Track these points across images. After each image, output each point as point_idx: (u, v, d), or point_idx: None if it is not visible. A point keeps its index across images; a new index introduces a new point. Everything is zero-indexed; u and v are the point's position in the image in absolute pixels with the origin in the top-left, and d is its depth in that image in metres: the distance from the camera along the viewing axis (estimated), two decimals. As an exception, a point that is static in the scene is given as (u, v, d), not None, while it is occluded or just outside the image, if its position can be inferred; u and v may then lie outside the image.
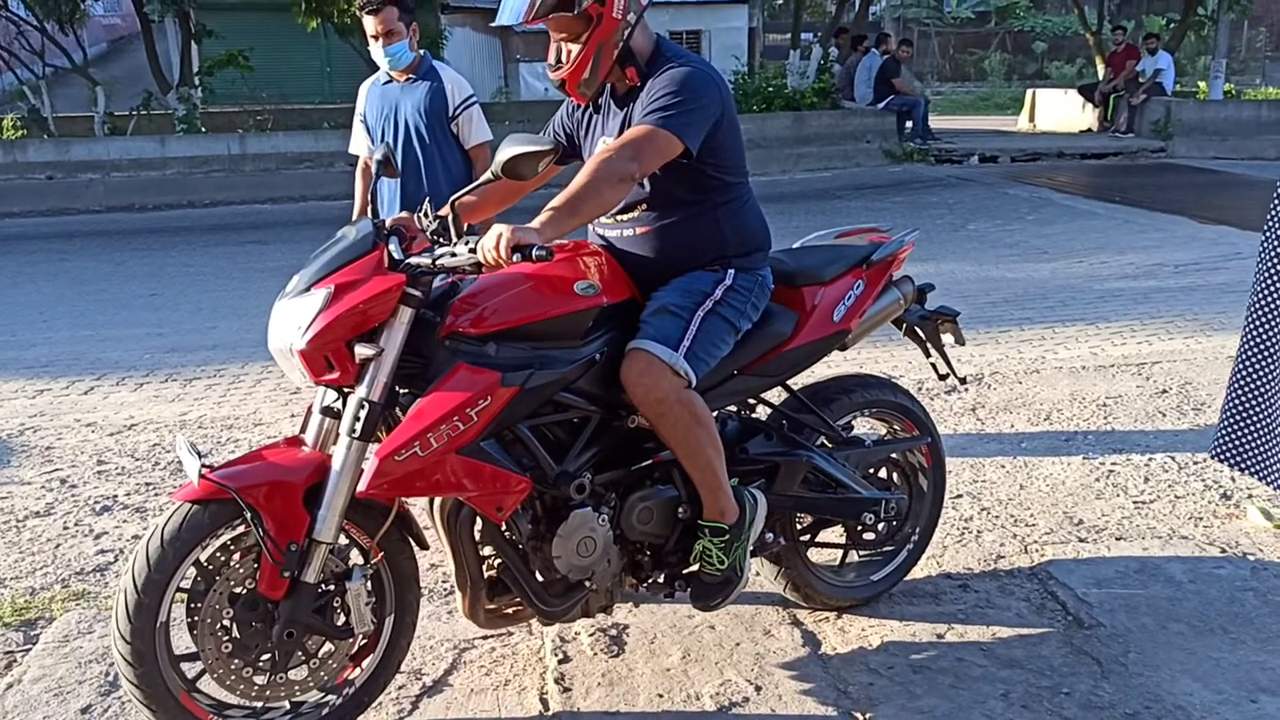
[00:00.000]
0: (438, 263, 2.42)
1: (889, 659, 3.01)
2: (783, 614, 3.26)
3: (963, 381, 3.66)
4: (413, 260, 2.44)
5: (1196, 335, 6.27)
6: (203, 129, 14.62)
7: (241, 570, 2.46)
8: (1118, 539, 3.71)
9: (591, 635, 3.12)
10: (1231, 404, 3.63)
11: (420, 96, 4.36)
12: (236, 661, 2.47)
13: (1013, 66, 34.70)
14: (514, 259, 2.29)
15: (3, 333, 7.01)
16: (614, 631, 3.16)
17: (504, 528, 2.63)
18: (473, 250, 2.36)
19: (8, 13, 15.69)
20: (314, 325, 2.36)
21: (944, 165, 15.27)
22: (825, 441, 3.14)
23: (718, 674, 2.94)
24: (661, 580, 2.91)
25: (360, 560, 2.59)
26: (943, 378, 3.46)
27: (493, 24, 2.83)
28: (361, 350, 2.38)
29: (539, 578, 2.70)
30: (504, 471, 2.51)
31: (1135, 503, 4.02)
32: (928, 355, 3.42)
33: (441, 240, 2.53)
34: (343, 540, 2.54)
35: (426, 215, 2.60)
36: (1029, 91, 21.90)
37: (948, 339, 3.41)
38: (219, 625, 2.45)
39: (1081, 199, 12.04)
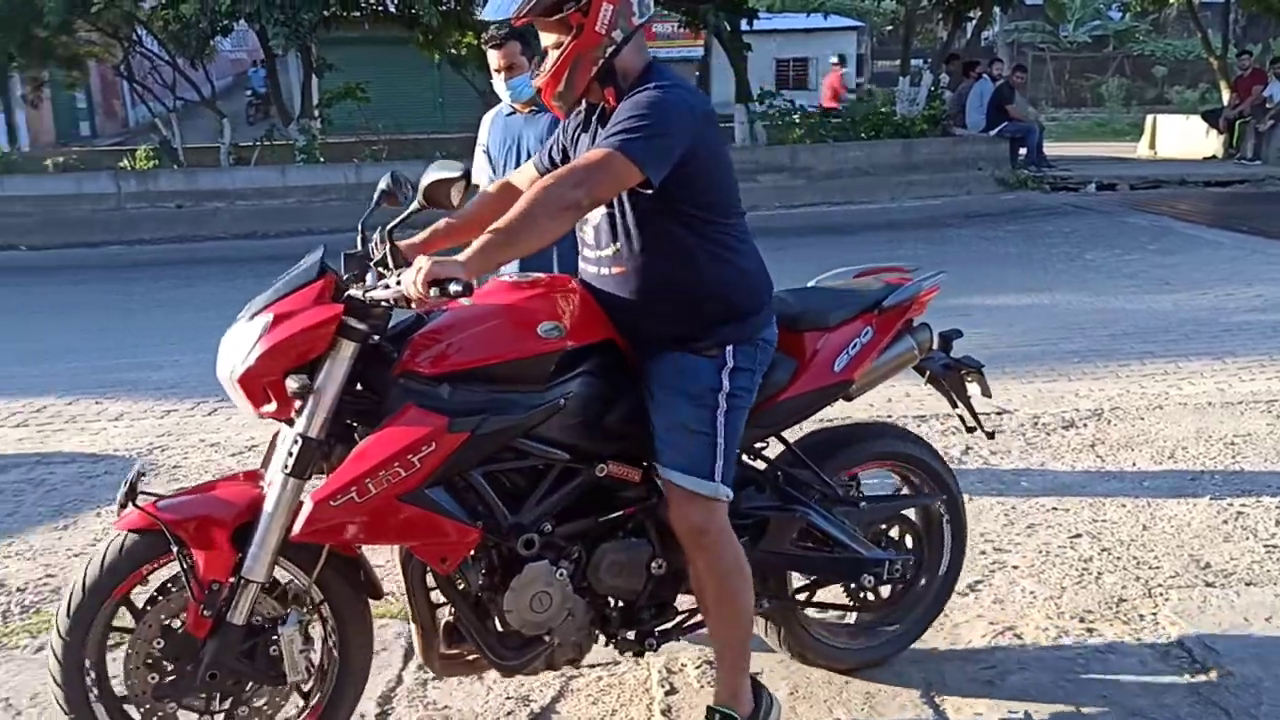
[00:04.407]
0: (368, 295, 2.29)
1: (1006, 703, 2.92)
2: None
3: (990, 436, 3.42)
4: (352, 292, 2.32)
5: (1332, 371, 5.99)
6: (321, 159, 15.10)
7: (174, 605, 2.37)
8: (1247, 584, 3.55)
9: (698, 668, 3.10)
10: None
11: (542, 128, 4.41)
12: (165, 701, 2.38)
13: (1131, 91, 33.77)
14: (431, 294, 2.13)
15: (134, 354, 7.32)
16: (721, 664, 3.12)
17: (455, 577, 2.49)
18: (398, 283, 2.22)
19: (143, 49, 16.47)
20: (250, 354, 2.28)
21: (1059, 193, 14.91)
22: (840, 495, 2.93)
23: (826, 712, 2.89)
24: (631, 637, 2.73)
25: (301, 604, 2.46)
26: (969, 430, 3.23)
27: (479, 18, 2.66)
28: (290, 383, 2.27)
29: (498, 627, 2.55)
30: (450, 521, 2.36)
31: (1266, 546, 3.83)
32: (953, 406, 3.16)
33: (383, 270, 2.39)
34: (298, 582, 2.45)
35: (380, 243, 2.44)
36: (1149, 117, 21.29)
37: (974, 389, 3.15)
38: (147, 660, 2.36)
39: (1205, 228, 11.63)
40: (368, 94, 16.32)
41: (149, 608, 2.38)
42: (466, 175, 2.35)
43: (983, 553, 3.82)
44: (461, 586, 2.50)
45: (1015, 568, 3.71)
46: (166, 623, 2.38)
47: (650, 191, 2.40)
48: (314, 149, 15.18)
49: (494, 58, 4.37)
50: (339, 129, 17.25)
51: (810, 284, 3.06)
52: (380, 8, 16.08)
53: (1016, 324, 7.33)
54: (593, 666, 3.11)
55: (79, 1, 13.93)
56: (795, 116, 16.46)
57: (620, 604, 2.70)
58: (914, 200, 14.27)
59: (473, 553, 2.46)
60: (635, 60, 2.51)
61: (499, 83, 4.41)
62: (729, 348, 2.56)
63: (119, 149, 17.40)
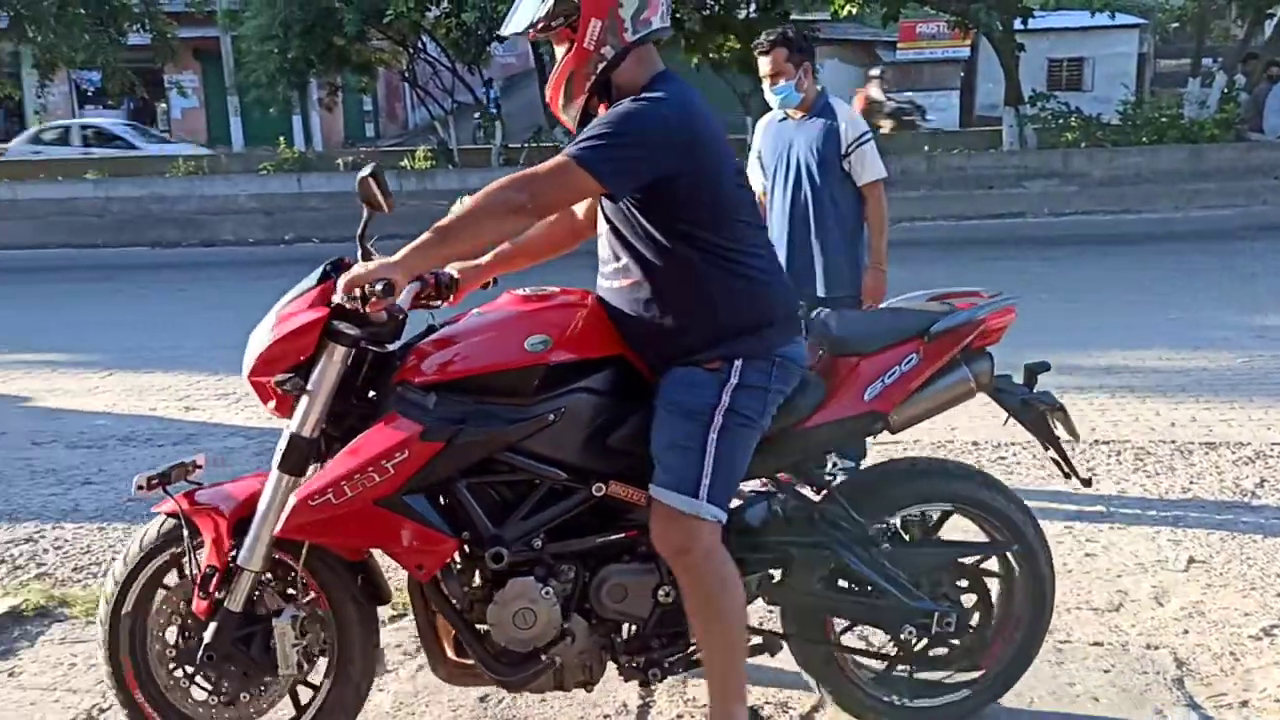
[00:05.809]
0: (333, 300, 2.34)
1: (1309, 762, 2.67)
2: (1177, 693, 2.97)
3: (1086, 484, 2.99)
4: (336, 298, 2.33)
5: None
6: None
7: (188, 588, 2.54)
8: None
9: (962, 690, 2.98)
10: None
11: (814, 134, 4.37)
12: (174, 665, 2.58)
13: None
14: (349, 299, 2.21)
15: (410, 343, 7.76)
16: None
17: (440, 586, 2.49)
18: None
19: (426, 55, 17.54)
20: (257, 355, 2.39)
21: (1372, 205, 13.49)
22: (875, 536, 2.68)
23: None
24: (637, 665, 2.60)
25: (302, 599, 2.54)
26: (1066, 477, 2.84)
27: (502, 34, 2.60)
28: (276, 380, 2.37)
29: (497, 642, 2.50)
30: (426, 529, 2.37)
31: None
32: (1045, 449, 2.80)
33: None
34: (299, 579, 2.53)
35: (358, 247, 2.47)
36: None
37: (1060, 431, 2.75)
38: (163, 632, 2.57)
39: None
40: (630, 97, 16.72)
41: (174, 585, 2.58)
42: (373, 172, 2.34)
43: (1282, 595, 3.51)
44: (445, 595, 2.51)
45: (1321, 614, 3.38)
46: (182, 602, 2.56)
47: (639, 203, 2.39)
48: (577, 150, 15.70)
49: (763, 64, 4.37)
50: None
51: (883, 305, 2.80)
52: (646, 13, 16.44)
53: (1321, 347, 6.69)
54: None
55: (373, 12, 14.98)
56: (1072, 119, 15.69)
57: (630, 630, 2.61)
58: (1200, 210, 13.26)
59: (459, 564, 2.48)
60: (636, 75, 2.46)
61: (768, 89, 4.40)
62: (737, 362, 2.44)
63: (400, 149, 18.58)
